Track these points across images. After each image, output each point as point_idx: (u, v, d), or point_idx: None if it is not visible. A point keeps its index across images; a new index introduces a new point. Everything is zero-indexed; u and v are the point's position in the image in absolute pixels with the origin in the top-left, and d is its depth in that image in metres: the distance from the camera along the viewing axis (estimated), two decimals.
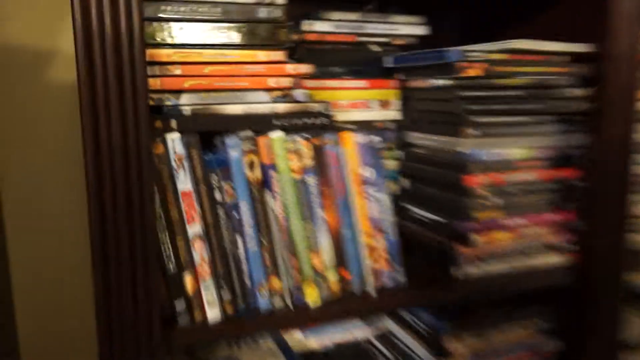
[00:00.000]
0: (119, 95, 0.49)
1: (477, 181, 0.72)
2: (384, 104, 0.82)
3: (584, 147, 0.78)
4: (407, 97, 0.83)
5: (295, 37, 0.77)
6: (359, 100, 0.81)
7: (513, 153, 0.74)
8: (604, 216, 0.77)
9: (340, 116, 0.79)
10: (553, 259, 0.77)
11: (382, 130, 0.82)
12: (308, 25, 0.77)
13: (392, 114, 0.83)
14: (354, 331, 0.78)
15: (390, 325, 0.82)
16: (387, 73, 0.83)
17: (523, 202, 0.76)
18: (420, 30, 0.85)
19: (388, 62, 0.82)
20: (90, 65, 0.48)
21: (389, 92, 0.83)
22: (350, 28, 0.80)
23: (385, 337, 0.82)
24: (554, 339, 0.82)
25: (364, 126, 0.81)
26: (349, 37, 0.81)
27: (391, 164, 0.84)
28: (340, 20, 0.79)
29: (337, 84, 0.79)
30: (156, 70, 0.54)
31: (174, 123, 0.55)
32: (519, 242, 0.75)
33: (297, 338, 0.76)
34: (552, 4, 0.83)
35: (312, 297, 0.62)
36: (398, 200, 0.84)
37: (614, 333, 0.80)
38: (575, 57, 0.77)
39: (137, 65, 0.50)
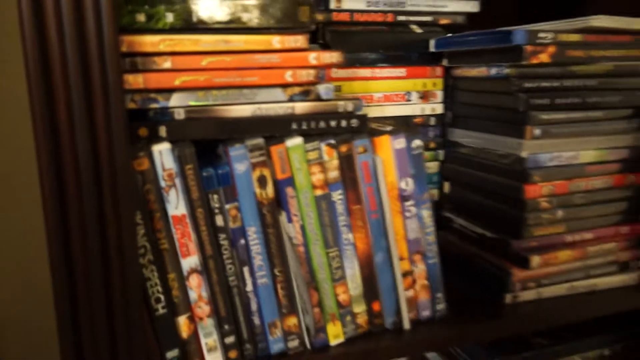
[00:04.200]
0: (85, 99, 0.34)
1: (538, 191, 0.54)
2: (425, 96, 0.65)
3: None
4: (453, 88, 0.65)
5: (320, 17, 0.59)
6: (396, 92, 0.63)
7: (582, 156, 0.56)
8: None
9: (374, 111, 0.62)
10: (622, 279, 0.59)
11: (422, 126, 0.65)
12: (336, 2, 0.59)
13: (435, 107, 0.65)
14: None
15: (431, 355, 0.67)
16: (429, 59, 0.65)
17: (590, 214, 0.58)
18: (470, 7, 0.66)
19: (431, 46, 0.64)
20: (44, 61, 0.33)
21: (431, 81, 0.65)
22: (387, 5, 0.62)
23: None
24: None
25: (401, 122, 0.63)
26: (385, 16, 0.63)
27: (432, 166, 0.67)
28: None
29: (370, 73, 0.62)
30: (138, 63, 0.39)
31: (162, 130, 0.40)
32: (583, 261, 0.57)
33: None
34: None
35: (335, 334, 0.47)
36: (440, 208, 0.67)
37: None
38: None
39: (107, 58, 0.34)
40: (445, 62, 0.64)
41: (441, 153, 0.66)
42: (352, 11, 0.60)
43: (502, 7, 0.79)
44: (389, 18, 0.62)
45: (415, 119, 0.64)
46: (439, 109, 0.66)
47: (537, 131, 0.53)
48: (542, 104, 0.53)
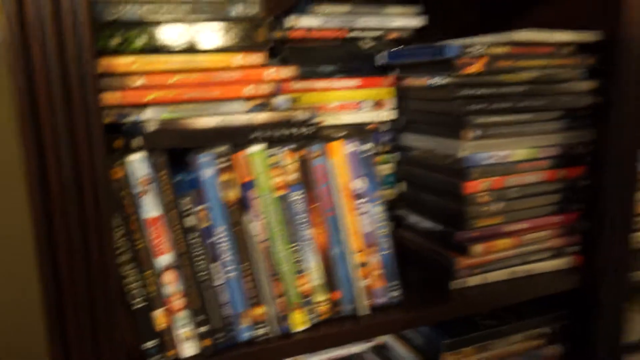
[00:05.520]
0: (67, 116, 0.40)
1: (477, 187, 0.62)
2: (378, 104, 0.72)
3: (590, 144, 0.69)
4: (403, 96, 0.73)
5: (277, 34, 0.66)
6: (350, 101, 0.70)
7: (516, 154, 0.65)
8: (610, 215, 0.67)
9: (330, 119, 0.69)
10: (557, 263, 0.68)
11: (376, 132, 0.72)
12: (292, 21, 0.66)
13: (387, 114, 0.73)
14: (350, 346, 0.70)
15: (386, 338, 0.74)
16: (381, 70, 0.73)
17: (525, 206, 0.66)
18: (416, 22, 0.74)
19: (382, 58, 0.72)
20: (29, 82, 0.39)
21: (383, 91, 0.72)
22: (340, 22, 0.70)
23: (382, 351, 0.74)
24: (559, 345, 0.73)
25: (356, 129, 0.71)
26: (339, 32, 0.70)
27: (386, 168, 0.74)
28: (328, 14, 0.68)
29: (326, 84, 0.69)
30: (114, 82, 0.45)
31: (136, 142, 0.45)
32: (521, 248, 0.66)
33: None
34: None
35: (299, 322, 0.54)
36: (394, 207, 0.75)
37: (618, 335, 0.72)
38: (582, 47, 0.66)
39: (86, 78, 0.40)
40: (395, 73, 0.72)
41: (395, 156, 0.74)
42: (307, 28, 0.68)
43: (447, 19, 0.88)
44: (342, 34, 0.70)
45: (370, 125, 0.72)
46: (391, 115, 0.73)
47: (473, 133, 0.62)
48: (477, 109, 0.61)
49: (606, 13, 0.64)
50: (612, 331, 0.70)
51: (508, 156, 0.64)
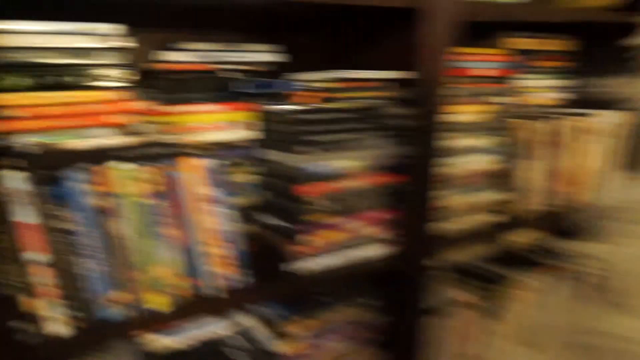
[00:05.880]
0: None
1: (309, 190, 0.78)
2: (242, 125, 0.86)
3: (404, 156, 0.87)
4: (263, 118, 0.88)
5: (150, 66, 0.78)
6: (218, 123, 0.84)
7: (344, 165, 0.81)
8: (418, 211, 0.87)
9: (199, 138, 0.82)
10: (380, 250, 0.86)
11: (242, 148, 0.86)
12: (165, 56, 0.78)
13: (250, 133, 0.87)
14: (211, 327, 0.83)
15: (244, 319, 0.88)
16: (248, 97, 0.87)
17: (354, 205, 0.83)
18: (275, 57, 0.89)
19: (246, 87, 0.86)
20: None
21: (246, 114, 0.87)
22: (207, 57, 0.83)
23: (240, 330, 0.87)
24: (381, 314, 0.92)
25: (222, 146, 0.84)
26: (207, 65, 0.83)
27: (250, 178, 0.88)
28: (197, 50, 0.81)
29: (196, 108, 0.82)
30: (2, 113, 0.54)
31: (21, 161, 0.55)
32: (350, 238, 0.83)
33: (154, 340, 0.79)
34: (380, 39, 0.90)
35: (160, 304, 0.66)
36: (258, 210, 0.89)
37: (422, 302, 0.91)
38: (405, 82, 0.85)
39: None
40: (257, 99, 0.86)
41: (258, 168, 0.88)
42: (178, 62, 0.80)
43: (310, 54, 1.04)
44: (210, 67, 0.83)
45: (236, 143, 0.86)
46: (254, 134, 0.88)
47: (305, 149, 0.77)
48: (309, 130, 0.77)
49: (412, 58, 0.83)
50: (418, 300, 0.90)
51: (338, 166, 0.81)
